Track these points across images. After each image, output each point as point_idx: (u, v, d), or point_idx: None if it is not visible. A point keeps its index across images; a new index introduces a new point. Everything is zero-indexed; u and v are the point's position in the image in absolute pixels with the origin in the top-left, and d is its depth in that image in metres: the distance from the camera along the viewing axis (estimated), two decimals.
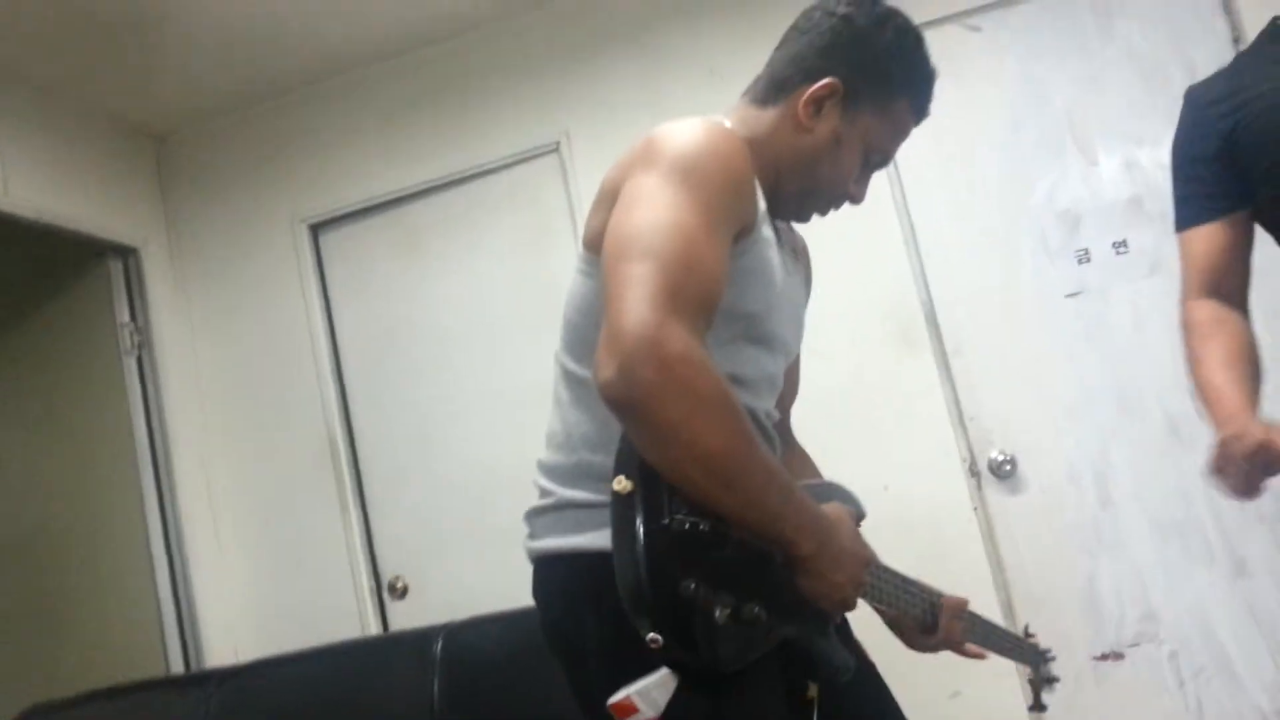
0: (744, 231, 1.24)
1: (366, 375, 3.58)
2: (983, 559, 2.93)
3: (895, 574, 1.43)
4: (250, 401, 3.62)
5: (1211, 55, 2.88)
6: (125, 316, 3.50)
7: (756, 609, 1.10)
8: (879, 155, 1.42)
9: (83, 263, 3.52)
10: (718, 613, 1.07)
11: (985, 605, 2.89)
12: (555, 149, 3.41)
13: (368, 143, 3.59)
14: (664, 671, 1.10)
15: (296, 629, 3.30)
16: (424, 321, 3.52)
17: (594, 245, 1.27)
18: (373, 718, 2.57)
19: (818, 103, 1.35)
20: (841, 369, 3.07)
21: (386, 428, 3.54)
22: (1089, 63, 3.02)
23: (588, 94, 3.38)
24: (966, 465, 2.99)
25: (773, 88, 1.40)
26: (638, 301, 1.05)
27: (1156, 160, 2.91)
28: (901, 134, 1.44)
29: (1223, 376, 1.63)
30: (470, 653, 2.59)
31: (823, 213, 1.45)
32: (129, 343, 3.48)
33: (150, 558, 3.36)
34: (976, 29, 3.07)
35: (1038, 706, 1.73)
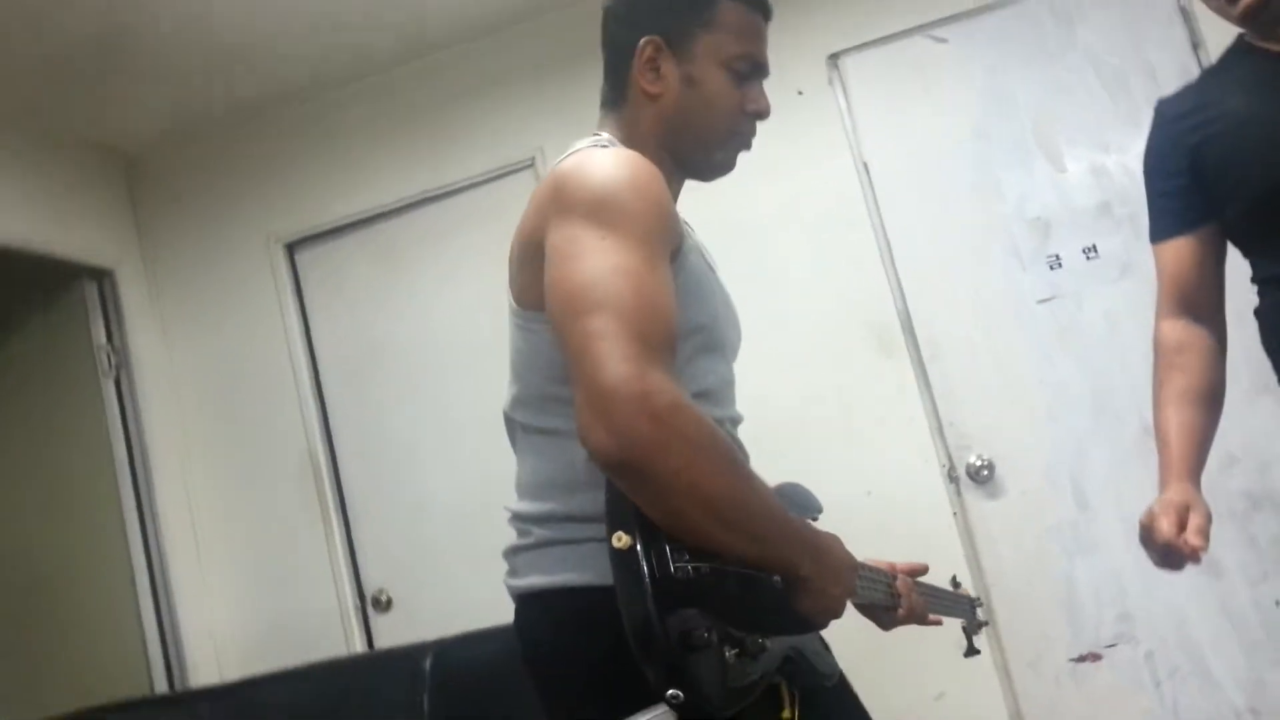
0: (675, 249, 1.23)
1: (347, 391, 3.57)
2: (962, 563, 2.96)
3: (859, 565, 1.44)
4: (230, 419, 3.61)
5: (1171, 60, 2.94)
6: (102, 339, 3.48)
7: (760, 640, 1.10)
8: (743, 63, 1.38)
9: (57, 286, 3.50)
10: (728, 654, 1.05)
11: None
12: (530, 165, 3.43)
13: (342, 162, 3.59)
14: (663, 708, 1.08)
15: (281, 646, 3.29)
16: (404, 338, 3.51)
17: (527, 302, 1.25)
18: None
19: (649, 65, 1.36)
20: (821, 377, 3.11)
21: (368, 443, 3.53)
22: (1052, 70, 3.07)
23: (560, 110, 3.37)
24: (945, 470, 3.02)
25: (613, 86, 1.42)
26: (609, 358, 1.02)
27: (1123, 165, 2.96)
28: (751, 30, 1.39)
29: (1175, 421, 1.67)
30: (462, 670, 2.58)
31: (746, 146, 1.43)
32: (106, 364, 3.46)
33: (133, 578, 3.35)
34: (943, 40, 3.11)
35: (972, 651, 1.76)
